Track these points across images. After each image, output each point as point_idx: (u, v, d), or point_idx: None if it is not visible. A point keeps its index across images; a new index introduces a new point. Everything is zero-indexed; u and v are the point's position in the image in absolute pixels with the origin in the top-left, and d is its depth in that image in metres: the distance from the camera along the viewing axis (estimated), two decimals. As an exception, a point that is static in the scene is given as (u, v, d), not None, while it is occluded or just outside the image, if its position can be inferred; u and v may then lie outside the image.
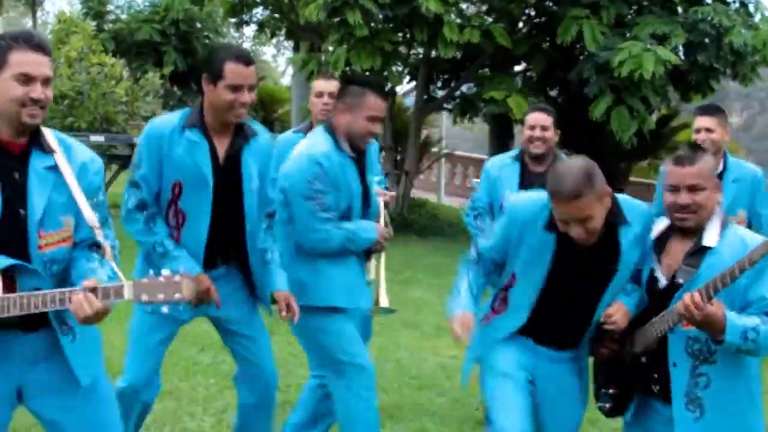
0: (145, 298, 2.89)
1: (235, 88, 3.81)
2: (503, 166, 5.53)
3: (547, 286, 3.59)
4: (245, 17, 18.71)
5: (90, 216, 3.07)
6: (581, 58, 14.43)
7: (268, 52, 42.15)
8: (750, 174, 5.57)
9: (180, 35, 22.20)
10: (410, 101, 17.93)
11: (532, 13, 15.68)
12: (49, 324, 3.02)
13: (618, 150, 14.57)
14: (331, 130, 4.30)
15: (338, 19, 13.38)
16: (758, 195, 5.52)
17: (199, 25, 23.33)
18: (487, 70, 15.75)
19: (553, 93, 16.23)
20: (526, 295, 3.65)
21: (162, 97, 20.10)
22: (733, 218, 5.43)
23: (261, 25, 18.22)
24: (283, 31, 18.57)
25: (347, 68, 13.64)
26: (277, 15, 17.50)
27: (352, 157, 4.31)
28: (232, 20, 20.07)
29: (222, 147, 3.96)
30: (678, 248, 3.42)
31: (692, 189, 3.32)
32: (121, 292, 2.89)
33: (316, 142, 4.28)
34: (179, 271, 2.95)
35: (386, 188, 4.79)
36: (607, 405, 3.61)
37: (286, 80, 36.53)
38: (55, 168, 3.03)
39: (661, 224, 3.52)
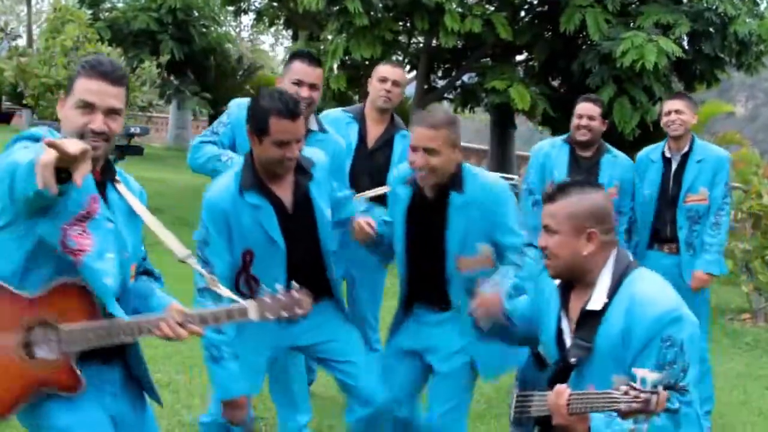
0: (269, 316, 3.00)
1: (282, 144, 3.55)
2: (553, 147, 5.91)
3: (407, 236, 3.89)
4: (243, 5, 18.60)
5: (177, 246, 3.08)
6: (584, 48, 14.27)
7: (266, 40, 41.93)
8: (714, 155, 5.81)
9: (177, 24, 22.03)
10: (410, 91, 17.78)
11: (535, 2, 15.49)
12: (123, 353, 2.96)
13: (621, 140, 14.42)
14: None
15: (337, 7, 13.22)
16: (719, 175, 5.75)
17: (196, 14, 23.18)
18: (488, 59, 15.59)
19: (556, 83, 16.07)
20: (399, 253, 3.95)
21: (159, 87, 19.98)
22: (693, 195, 5.63)
23: (259, 14, 18.11)
24: (282, 20, 18.43)
25: (346, 57, 13.48)
26: (275, 3, 17.35)
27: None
28: (230, 8, 19.94)
29: (286, 194, 3.72)
30: (575, 303, 3.01)
31: (546, 230, 2.96)
32: (245, 313, 2.97)
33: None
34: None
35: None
36: None
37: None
38: (126, 203, 2.93)
39: None
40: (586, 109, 5.76)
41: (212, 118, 26.60)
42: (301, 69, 4.47)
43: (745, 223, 9.70)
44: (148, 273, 3.14)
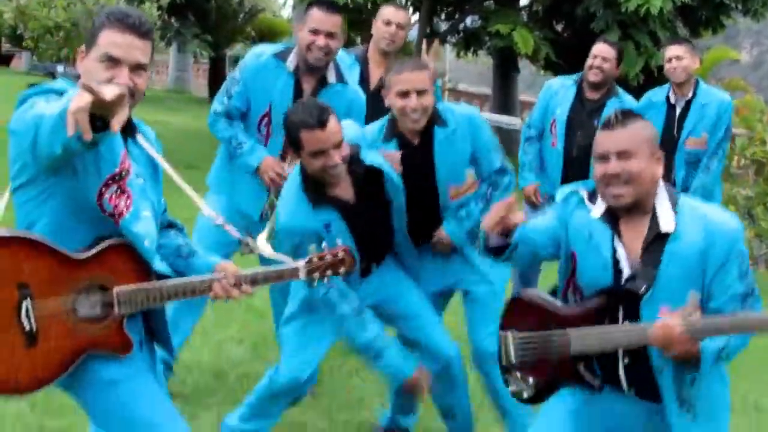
0: (316, 275, 3.07)
1: (319, 154, 3.53)
2: (562, 86, 5.99)
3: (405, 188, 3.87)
4: (245, -54, 18.35)
5: (206, 208, 3.11)
6: (588, -9, 14.14)
7: (268, -17, 41.48)
8: (718, 99, 5.85)
9: (178, -35, 21.79)
10: (413, 34, 17.65)
11: (539, -56, 15.34)
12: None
13: (625, 86, 14.34)
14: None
15: (340, -52, 13.07)
16: (722, 119, 5.80)
17: (197, -45, 22.93)
18: (492, 3, 15.45)
19: (559, 27, 15.94)
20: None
21: (159, 29, 19.84)
22: (694, 139, 5.67)
23: (260, -45, 17.88)
24: (283, -38, 18.23)
25: (349, 0, 13.36)
26: (277, -56, 17.15)
27: (294, 72, 4.42)
28: (231, -51, 19.69)
29: (347, 192, 3.73)
30: (632, 233, 2.97)
31: (623, 155, 2.89)
32: (296, 273, 3.02)
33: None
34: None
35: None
36: (526, 394, 3.15)
37: (286, 12, 36.09)
38: (145, 155, 2.85)
39: (601, 203, 3.07)
40: (600, 50, 5.79)
41: (213, 61, 26.47)
42: (317, 16, 4.38)
43: (748, 170, 9.71)
44: (172, 225, 3.07)
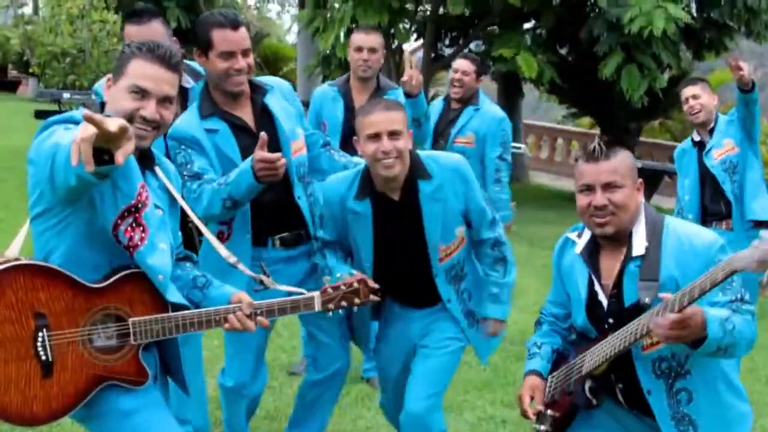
0: (331, 306, 3.05)
1: (227, 55, 3.55)
2: (432, 106, 6.22)
3: (378, 248, 3.62)
4: (249, -27, 18.42)
5: (224, 251, 3.10)
6: (591, 15, 14.18)
7: (272, 9, 41.70)
8: (735, 115, 5.78)
9: (184, -9, 21.90)
10: (417, 60, 17.70)
11: (542, -31, 15.36)
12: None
13: (628, 109, 14.38)
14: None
15: (344, -26, 13.14)
16: (740, 122, 5.72)
17: (203, -19, 23.02)
18: (495, 27, 15.49)
19: (563, 51, 15.97)
20: (366, 260, 3.66)
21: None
22: (719, 150, 5.67)
23: (266, -19, 17.96)
24: (288, -12, 18.31)
25: (353, 25, 13.40)
26: (281, -29, 17.24)
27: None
28: (236, -24, 19.79)
29: (245, 114, 3.72)
30: (611, 261, 3.02)
31: (609, 187, 2.92)
32: (311, 304, 3.01)
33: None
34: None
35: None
36: (543, 427, 3.12)
37: (291, 38, 36.26)
38: (164, 187, 2.86)
39: (585, 237, 3.11)
40: (459, 65, 6.11)
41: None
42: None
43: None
44: (187, 258, 3.08)
